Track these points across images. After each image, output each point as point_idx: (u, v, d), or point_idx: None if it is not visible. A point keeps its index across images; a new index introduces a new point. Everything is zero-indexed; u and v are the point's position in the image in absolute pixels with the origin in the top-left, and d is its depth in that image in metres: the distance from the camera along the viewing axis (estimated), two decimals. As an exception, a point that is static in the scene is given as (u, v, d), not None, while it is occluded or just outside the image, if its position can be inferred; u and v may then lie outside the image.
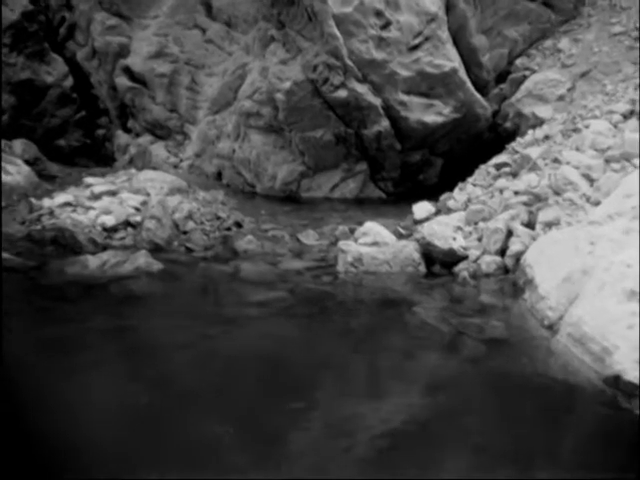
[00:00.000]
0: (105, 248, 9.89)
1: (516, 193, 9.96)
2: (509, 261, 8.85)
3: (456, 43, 14.65)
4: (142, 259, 9.13)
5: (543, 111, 13.76)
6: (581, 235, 7.59)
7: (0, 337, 6.12)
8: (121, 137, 18.24)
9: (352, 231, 10.57)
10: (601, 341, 5.96)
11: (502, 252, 9.05)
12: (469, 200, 10.74)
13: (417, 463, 4.66)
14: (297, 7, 13.64)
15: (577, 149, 10.25)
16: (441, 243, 9.19)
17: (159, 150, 17.02)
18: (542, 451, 4.77)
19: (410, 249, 9.33)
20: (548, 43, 15.41)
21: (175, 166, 16.51)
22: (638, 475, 4.44)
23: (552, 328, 6.87)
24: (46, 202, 11.27)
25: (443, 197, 11.47)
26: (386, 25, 13.76)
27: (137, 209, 10.94)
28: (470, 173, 11.91)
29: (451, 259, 9.19)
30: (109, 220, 10.58)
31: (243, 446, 4.81)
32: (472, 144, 15.13)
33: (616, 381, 5.59)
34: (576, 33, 15.24)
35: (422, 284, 8.83)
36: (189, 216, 11.10)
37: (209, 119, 16.31)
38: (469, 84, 14.61)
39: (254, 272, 9.35)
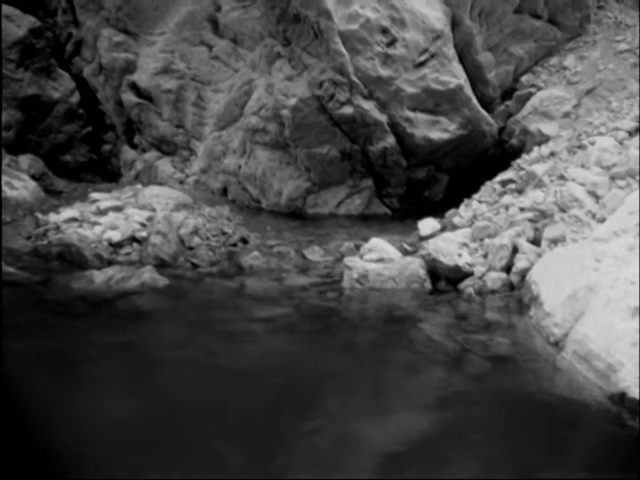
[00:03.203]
0: (111, 263, 9.91)
1: (522, 210, 9.96)
2: (515, 278, 8.84)
3: (462, 60, 14.70)
4: (148, 275, 9.14)
5: (549, 128, 13.78)
6: (586, 252, 7.58)
7: (1, 351, 6.12)
8: (127, 153, 18.30)
9: (357, 247, 10.56)
10: (606, 358, 5.95)
11: (508, 269, 9.04)
12: (475, 217, 10.74)
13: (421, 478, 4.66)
14: (303, 24, 13.70)
15: (582, 166, 10.25)
16: (446, 260, 9.19)
17: (165, 166, 17.07)
18: (546, 469, 4.76)
19: (415, 265, 9.33)
20: (554, 60, 15.45)
21: (181, 182, 16.56)
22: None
23: (557, 345, 6.86)
24: (52, 217, 11.30)
25: (449, 213, 11.48)
26: (392, 42, 13.81)
27: (143, 225, 10.96)
28: (476, 190, 11.92)
29: (456, 276, 9.18)
30: (115, 235, 10.60)
31: (247, 460, 4.81)
32: (478, 161, 15.15)
33: (621, 398, 5.57)
34: (581, 50, 15.28)
35: (427, 300, 8.82)
36: (195, 232, 11.11)
37: (215, 135, 16.36)
38: (475, 101, 14.64)
39: (259, 288, 9.35)
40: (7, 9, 17.44)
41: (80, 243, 10.31)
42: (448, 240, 9.72)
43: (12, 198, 12.82)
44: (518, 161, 12.32)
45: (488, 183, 11.94)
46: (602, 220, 8.67)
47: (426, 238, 10.54)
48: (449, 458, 4.97)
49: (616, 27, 15.54)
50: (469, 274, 9.15)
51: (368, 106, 14.00)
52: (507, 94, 15.58)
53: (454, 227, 10.72)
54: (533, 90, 14.92)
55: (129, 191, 12.90)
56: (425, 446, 5.13)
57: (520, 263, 8.84)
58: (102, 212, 11.48)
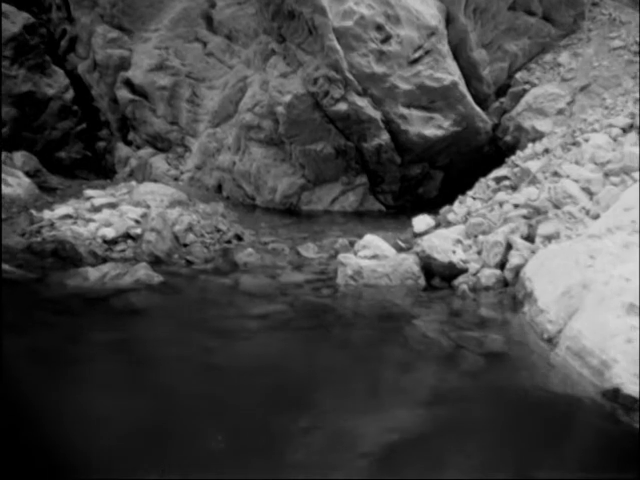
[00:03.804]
0: (105, 260, 9.89)
1: (516, 206, 9.97)
2: (509, 274, 8.85)
3: (456, 57, 14.71)
4: (142, 272, 9.13)
5: (543, 125, 13.80)
6: (580, 249, 7.60)
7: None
8: (122, 149, 18.27)
9: (352, 244, 10.56)
10: (600, 355, 5.97)
11: (502, 265, 9.05)
12: (469, 213, 10.75)
13: (417, 476, 4.66)
14: (298, 21, 13.69)
15: (577, 163, 10.27)
16: (441, 256, 9.19)
17: (159, 163, 17.04)
18: (540, 465, 4.77)
19: (410, 262, 9.33)
20: (548, 57, 15.46)
21: (175, 179, 16.53)
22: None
23: (551, 341, 6.87)
24: (46, 214, 11.28)
25: (443, 210, 11.49)
26: (386, 39, 13.81)
27: (137, 221, 10.96)
28: (470, 186, 11.94)
29: (451, 272, 9.19)
30: (109, 232, 10.59)
31: (243, 458, 4.82)
32: (472, 157, 15.16)
33: (615, 395, 5.59)
34: (576, 47, 15.29)
35: (422, 297, 8.82)
36: (189, 229, 11.10)
37: (210, 132, 16.34)
38: (469, 98, 14.65)
39: (254, 285, 9.35)
40: (2, 6, 17.41)
41: (74, 240, 10.30)
42: (442, 237, 9.73)
43: (6, 195, 12.78)
44: (512, 158, 12.33)
45: (482, 180, 11.96)
46: (596, 217, 8.68)
47: (420, 235, 10.56)
48: (444, 455, 4.98)
49: (610, 24, 15.55)
50: (463, 271, 9.16)
51: (362, 103, 14.01)
52: (501, 91, 15.59)
53: (448, 224, 10.74)
54: (527, 87, 14.93)
55: (123, 188, 12.89)
56: (420, 443, 5.14)
57: (514, 260, 8.85)
58: (96, 209, 11.47)
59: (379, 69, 13.87)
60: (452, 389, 6.20)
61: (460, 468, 4.78)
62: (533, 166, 10.97)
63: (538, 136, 13.36)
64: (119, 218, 11.00)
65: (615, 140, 10.65)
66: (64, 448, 4.89)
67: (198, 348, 6.95)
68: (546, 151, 11.71)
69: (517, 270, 8.67)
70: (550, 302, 7.20)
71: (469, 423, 5.52)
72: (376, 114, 14.15)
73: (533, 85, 14.89)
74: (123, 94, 17.35)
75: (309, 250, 11.03)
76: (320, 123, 14.31)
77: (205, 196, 14.81)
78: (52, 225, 10.90)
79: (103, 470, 4.63)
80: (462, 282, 8.99)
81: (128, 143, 18.28)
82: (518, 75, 15.42)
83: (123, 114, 17.85)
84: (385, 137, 14.38)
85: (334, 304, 8.71)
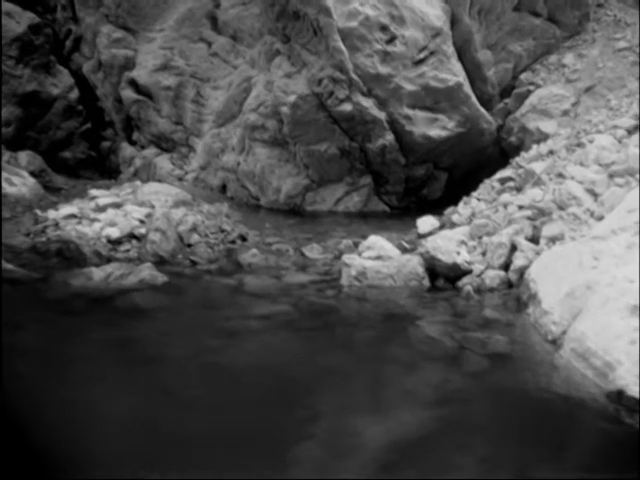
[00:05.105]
0: (109, 260, 9.89)
1: (520, 208, 9.96)
2: (513, 276, 8.84)
3: (461, 58, 14.71)
4: (146, 272, 9.13)
5: (547, 126, 13.80)
6: (585, 250, 7.58)
7: (0, 349, 6.12)
8: (126, 149, 18.31)
9: (356, 245, 10.56)
10: (604, 356, 5.96)
11: (506, 267, 9.04)
12: (473, 214, 10.74)
13: (419, 476, 4.66)
14: (302, 21, 13.70)
15: (581, 164, 10.26)
16: (445, 257, 9.18)
17: (164, 163, 17.07)
18: (544, 466, 4.76)
19: (414, 263, 9.32)
20: (553, 58, 15.47)
21: (180, 179, 16.56)
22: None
23: (555, 343, 6.86)
24: (51, 214, 11.29)
25: (447, 211, 11.49)
26: (391, 40, 13.82)
27: (142, 221, 10.96)
28: (474, 187, 11.92)
29: (455, 273, 9.17)
30: (114, 232, 10.59)
31: (243, 457, 4.82)
32: (476, 158, 15.17)
33: (619, 396, 5.58)
34: (581, 48, 15.29)
35: (426, 298, 8.81)
36: (193, 229, 11.11)
37: (214, 132, 16.36)
38: (474, 99, 14.65)
39: (258, 285, 9.34)
40: (7, 5, 17.49)
41: (79, 240, 10.31)
42: (447, 238, 9.71)
43: (11, 195, 12.82)
44: (517, 159, 12.32)
45: (487, 181, 11.95)
46: (600, 218, 8.67)
47: (425, 236, 10.56)
48: (447, 455, 4.97)
49: (615, 25, 15.55)
50: (467, 272, 9.15)
51: (367, 103, 14.02)
52: (506, 92, 15.60)
53: (453, 225, 10.73)
54: (532, 88, 14.94)
55: (128, 188, 12.89)
56: (423, 443, 5.13)
57: (518, 261, 8.84)
58: (101, 209, 11.47)
59: (384, 70, 13.89)
60: (455, 390, 6.19)
61: (463, 468, 4.78)
62: (537, 167, 10.96)
63: (542, 137, 13.36)
64: (123, 218, 11.00)
65: (620, 141, 10.65)
66: (63, 447, 4.89)
67: (201, 348, 6.95)
68: (550, 152, 11.70)
69: (521, 271, 8.66)
70: (554, 303, 7.19)
71: (472, 424, 5.52)
72: (380, 115, 14.17)
73: (538, 86, 14.90)
74: (128, 94, 17.40)
75: (313, 251, 11.03)
76: (324, 123, 14.32)
77: (209, 196, 14.83)
78: (56, 225, 10.91)
79: (102, 469, 4.63)
80: (466, 283, 8.97)
81: (132, 143, 18.33)
82: (523, 76, 15.43)
83: (128, 114, 17.89)
84: (389, 138, 14.40)
85: (338, 305, 8.69)
